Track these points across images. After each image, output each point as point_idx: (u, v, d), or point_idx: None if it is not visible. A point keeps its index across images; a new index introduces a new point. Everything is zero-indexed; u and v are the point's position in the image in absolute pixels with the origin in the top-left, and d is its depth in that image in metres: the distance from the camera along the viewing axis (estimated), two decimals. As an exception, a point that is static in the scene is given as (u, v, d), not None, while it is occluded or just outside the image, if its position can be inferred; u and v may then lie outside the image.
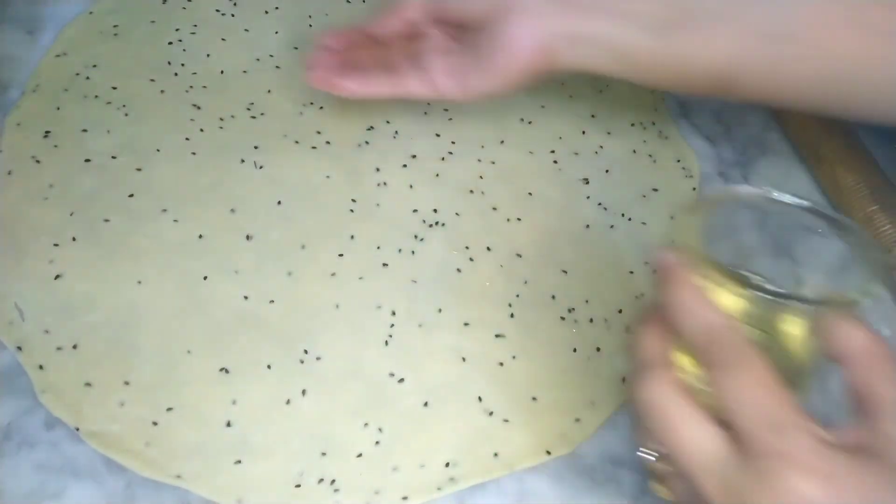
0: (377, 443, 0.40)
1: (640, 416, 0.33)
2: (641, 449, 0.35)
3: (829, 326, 0.32)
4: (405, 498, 0.39)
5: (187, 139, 0.48)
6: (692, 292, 0.32)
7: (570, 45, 0.42)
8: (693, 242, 0.33)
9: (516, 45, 0.42)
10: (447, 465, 0.40)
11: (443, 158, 0.50)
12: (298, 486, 0.39)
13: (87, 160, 0.47)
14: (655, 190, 0.51)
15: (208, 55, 0.52)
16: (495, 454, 0.41)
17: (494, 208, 0.49)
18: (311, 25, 0.55)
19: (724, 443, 0.30)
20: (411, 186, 0.49)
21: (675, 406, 0.31)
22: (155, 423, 0.40)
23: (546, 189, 0.50)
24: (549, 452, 0.41)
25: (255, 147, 0.49)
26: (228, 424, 0.40)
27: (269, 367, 0.42)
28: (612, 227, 0.49)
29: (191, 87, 0.51)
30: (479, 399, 0.42)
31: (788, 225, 0.36)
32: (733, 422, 0.29)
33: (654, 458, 0.34)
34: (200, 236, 0.45)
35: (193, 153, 0.48)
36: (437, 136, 0.51)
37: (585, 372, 0.44)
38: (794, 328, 0.33)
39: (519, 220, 0.48)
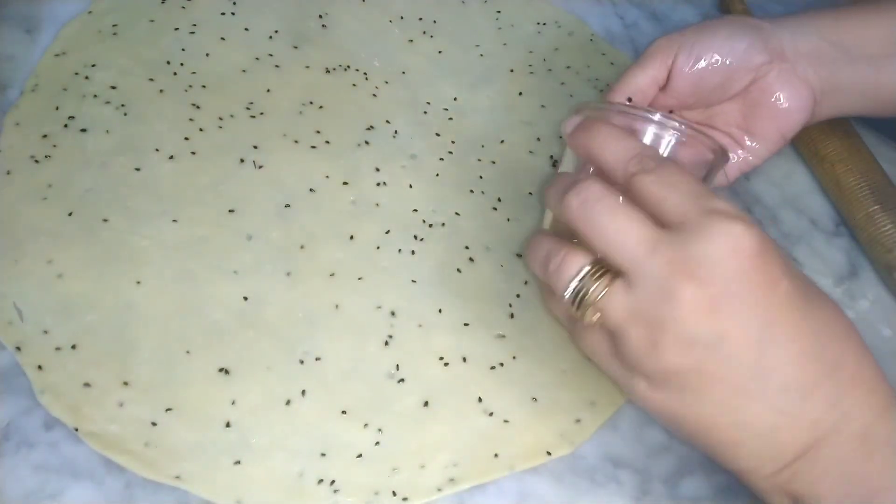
0: (377, 443, 0.40)
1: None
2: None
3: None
4: (405, 498, 0.39)
5: (186, 139, 0.48)
6: (608, 129, 0.38)
7: (832, 97, 0.47)
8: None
9: (787, 116, 0.47)
10: (447, 465, 0.40)
11: (442, 158, 0.50)
12: (298, 486, 0.39)
13: (86, 160, 0.47)
14: (656, 190, 0.51)
15: (208, 55, 0.52)
16: (495, 454, 0.41)
17: (494, 208, 0.48)
18: (310, 25, 0.54)
19: (655, 228, 0.34)
20: (411, 186, 0.49)
21: (605, 203, 0.35)
22: (154, 424, 0.40)
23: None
24: (549, 453, 0.41)
25: (255, 147, 0.49)
26: (228, 425, 0.40)
27: (268, 367, 0.42)
28: (612, 226, 0.49)
29: (190, 86, 0.50)
30: (479, 399, 0.42)
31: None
32: (665, 209, 0.34)
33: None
34: (200, 236, 0.45)
35: (193, 153, 0.48)
36: (437, 135, 0.51)
37: (585, 372, 0.44)
38: None
39: (519, 220, 0.48)
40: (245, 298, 0.43)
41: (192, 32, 0.53)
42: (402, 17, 0.56)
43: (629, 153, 0.36)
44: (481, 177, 0.50)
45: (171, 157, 0.47)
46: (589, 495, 0.40)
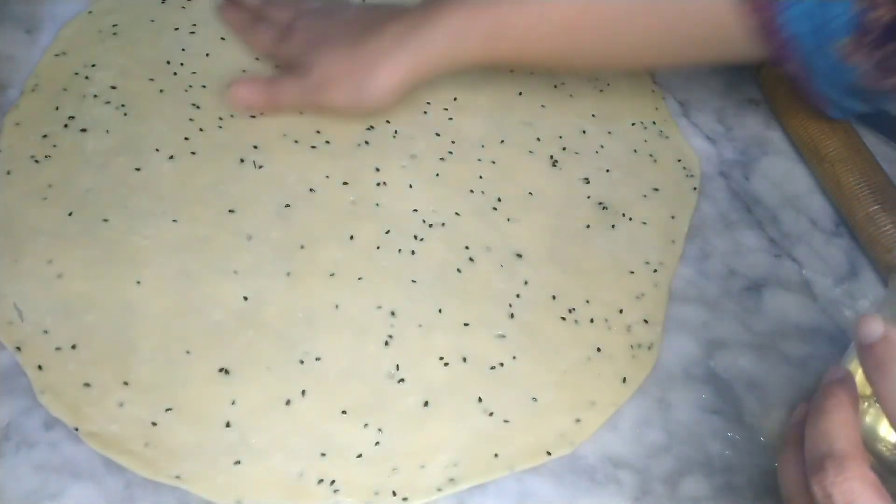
0: (377, 443, 0.40)
1: None
2: None
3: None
4: (405, 498, 0.39)
5: (186, 139, 0.48)
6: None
7: (418, 79, 0.47)
8: None
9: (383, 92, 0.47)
10: (447, 465, 0.40)
11: (443, 158, 0.50)
12: (298, 486, 0.39)
13: (86, 160, 0.47)
14: (656, 190, 0.51)
15: (208, 54, 0.52)
16: (495, 454, 0.41)
17: (494, 208, 0.48)
18: (310, 25, 0.54)
19: None
20: (411, 186, 0.49)
21: None
22: (154, 424, 0.40)
23: (546, 189, 0.50)
24: (549, 453, 0.41)
25: (255, 147, 0.49)
26: (228, 425, 0.40)
27: (268, 367, 0.42)
28: (612, 226, 0.49)
29: (190, 86, 0.50)
30: (479, 399, 0.42)
31: None
32: None
33: None
34: (200, 236, 0.45)
35: (193, 153, 0.48)
36: (437, 135, 0.51)
37: (585, 372, 0.44)
38: None
39: (519, 220, 0.48)
40: (245, 298, 0.43)
41: (192, 32, 0.53)
42: (402, 17, 0.56)
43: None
44: (481, 177, 0.50)
45: (171, 157, 0.47)
46: (589, 495, 0.40)
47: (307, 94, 0.48)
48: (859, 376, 0.34)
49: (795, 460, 0.33)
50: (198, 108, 0.50)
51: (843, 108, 0.48)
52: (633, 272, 0.47)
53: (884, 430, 0.34)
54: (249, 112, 0.48)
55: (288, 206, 0.47)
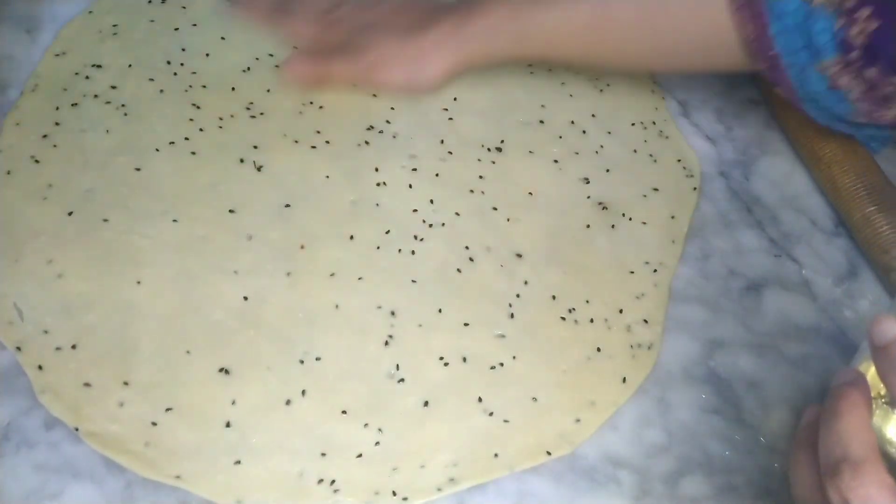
0: (377, 443, 0.40)
1: None
2: None
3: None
4: (405, 498, 0.39)
5: (187, 139, 0.48)
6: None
7: (459, 70, 0.52)
8: None
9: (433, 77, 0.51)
10: (447, 465, 0.40)
11: (443, 158, 0.50)
12: (298, 486, 0.39)
13: (86, 160, 0.47)
14: (656, 190, 0.51)
15: (208, 54, 0.52)
16: (495, 454, 0.41)
17: (494, 208, 0.48)
18: (310, 25, 0.54)
19: None
20: (411, 186, 0.49)
21: None
22: (154, 424, 0.40)
23: (546, 189, 0.50)
24: (549, 453, 0.41)
25: (255, 147, 0.49)
26: (228, 425, 0.40)
27: (268, 367, 0.42)
28: (612, 226, 0.49)
29: (190, 86, 0.50)
30: (479, 399, 0.42)
31: None
32: None
33: None
34: (200, 236, 0.45)
35: (193, 153, 0.48)
36: (437, 136, 0.51)
37: (585, 372, 0.44)
38: None
39: (519, 220, 0.48)
40: (245, 298, 0.43)
41: (193, 33, 0.53)
42: (402, 17, 0.56)
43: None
44: (481, 177, 0.50)
45: (172, 158, 0.47)
46: (589, 495, 0.40)
47: (362, 72, 0.51)
48: (868, 377, 0.34)
49: (808, 463, 0.33)
50: (198, 108, 0.50)
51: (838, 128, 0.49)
52: (633, 272, 0.47)
53: (892, 431, 0.34)
54: (302, 85, 0.51)
55: (288, 206, 0.47)
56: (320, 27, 0.52)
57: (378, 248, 0.46)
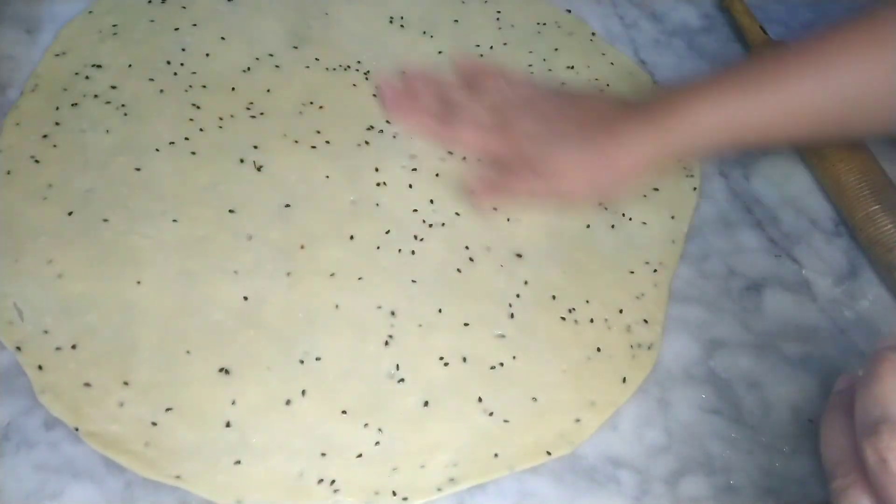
0: (377, 443, 0.40)
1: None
2: None
3: None
4: (405, 498, 0.39)
5: (187, 139, 0.48)
6: None
7: (657, 166, 0.50)
8: None
9: (623, 182, 0.50)
10: (447, 465, 0.40)
11: (443, 158, 0.50)
12: (298, 486, 0.39)
13: (86, 160, 0.47)
14: (656, 189, 0.51)
15: (208, 55, 0.52)
16: (495, 454, 0.41)
17: (494, 208, 0.48)
18: (310, 25, 0.54)
19: None
20: (411, 186, 0.49)
21: None
22: (154, 424, 0.40)
23: (546, 189, 0.50)
24: (549, 453, 0.41)
25: (255, 147, 0.49)
26: (228, 425, 0.40)
27: (268, 367, 0.42)
28: (612, 226, 0.49)
29: (190, 86, 0.50)
30: (479, 399, 0.42)
31: None
32: None
33: None
34: (200, 236, 0.45)
35: (193, 153, 0.48)
36: (437, 135, 0.51)
37: (585, 372, 0.44)
38: None
39: (519, 220, 0.48)
40: (245, 298, 0.43)
41: (193, 33, 0.53)
42: (402, 17, 0.56)
43: None
44: (481, 177, 0.50)
45: (172, 158, 0.47)
46: (589, 495, 0.40)
47: (543, 185, 0.48)
48: None
49: (841, 426, 0.34)
50: (198, 108, 0.50)
51: None
52: (633, 272, 0.47)
53: None
54: (492, 209, 0.49)
55: (288, 206, 0.47)
56: (490, 137, 0.50)
57: (378, 248, 0.46)
